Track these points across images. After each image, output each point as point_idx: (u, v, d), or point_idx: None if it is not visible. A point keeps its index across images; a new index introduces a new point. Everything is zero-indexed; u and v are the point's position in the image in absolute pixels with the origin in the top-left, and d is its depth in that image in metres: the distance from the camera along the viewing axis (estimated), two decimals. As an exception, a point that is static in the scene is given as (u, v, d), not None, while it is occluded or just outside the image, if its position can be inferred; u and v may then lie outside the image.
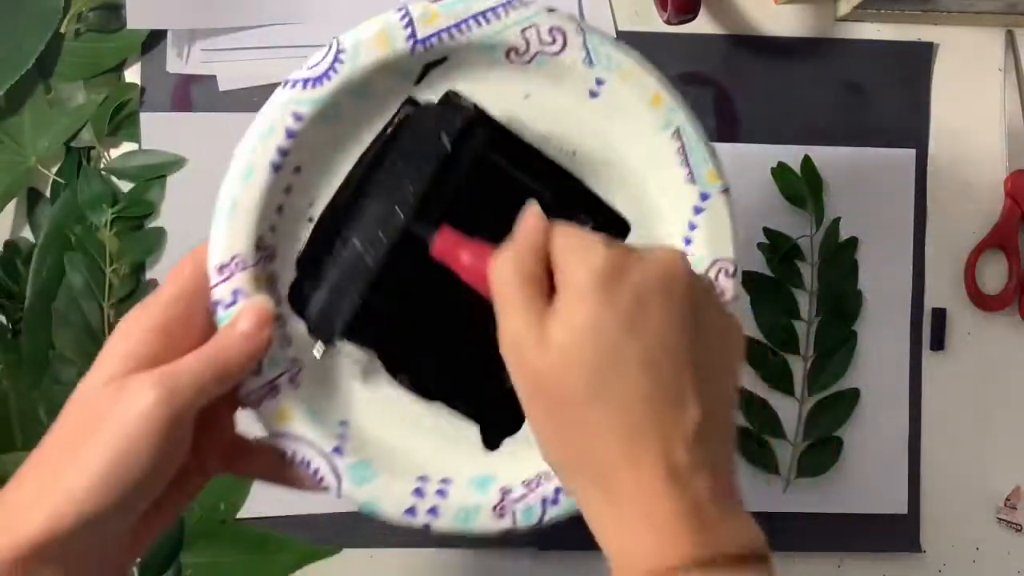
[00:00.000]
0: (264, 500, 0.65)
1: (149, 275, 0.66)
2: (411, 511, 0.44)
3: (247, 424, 0.45)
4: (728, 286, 0.46)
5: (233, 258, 0.43)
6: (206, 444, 0.43)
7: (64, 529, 0.37)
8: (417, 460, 0.46)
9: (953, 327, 0.68)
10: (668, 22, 0.62)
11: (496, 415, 0.46)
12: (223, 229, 0.44)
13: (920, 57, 0.68)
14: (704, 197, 0.46)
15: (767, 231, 0.67)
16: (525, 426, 0.46)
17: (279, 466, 0.44)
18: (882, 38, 0.68)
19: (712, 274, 0.46)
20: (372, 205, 0.43)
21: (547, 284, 0.38)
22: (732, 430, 0.39)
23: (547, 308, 0.37)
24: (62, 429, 0.39)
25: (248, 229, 0.44)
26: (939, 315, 0.68)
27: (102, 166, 0.66)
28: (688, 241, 0.46)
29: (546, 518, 0.45)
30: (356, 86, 0.44)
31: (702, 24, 0.66)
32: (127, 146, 0.67)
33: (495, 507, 0.45)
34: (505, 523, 0.45)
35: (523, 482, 0.45)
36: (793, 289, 0.67)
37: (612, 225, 0.47)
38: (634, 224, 0.47)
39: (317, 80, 0.44)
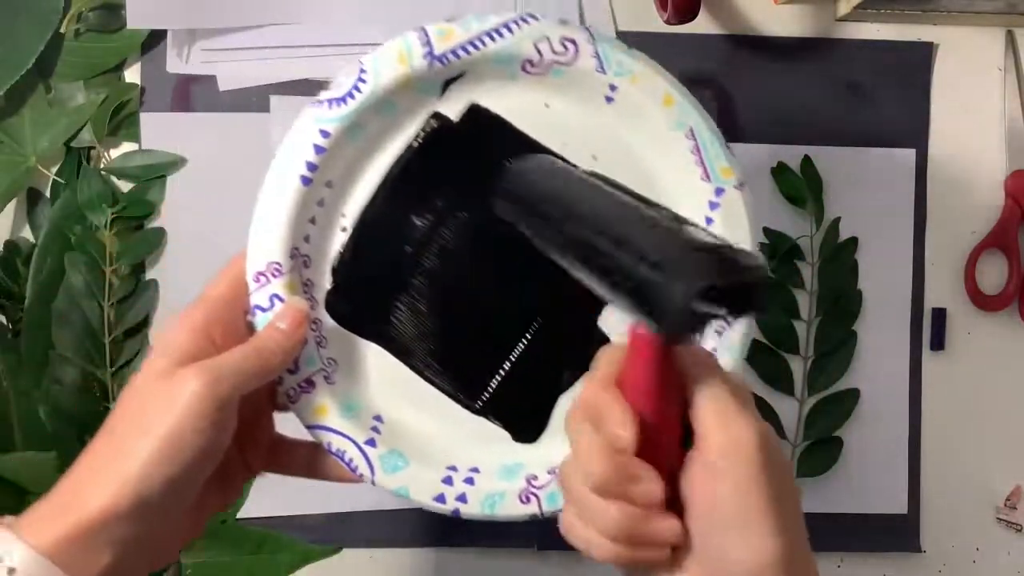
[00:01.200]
0: (264, 500, 0.65)
1: (149, 275, 0.66)
2: (440, 498, 0.47)
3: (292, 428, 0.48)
4: None
5: (269, 265, 0.47)
6: (249, 443, 0.47)
7: (121, 510, 0.39)
8: (448, 449, 0.48)
9: (953, 327, 0.68)
10: (668, 22, 0.62)
11: (525, 421, 0.49)
12: (259, 239, 0.47)
13: (920, 57, 0.68)
14: (719, 192, 0.48)
15: (767, 231, 0.67)
16: (553, 417, 0.50)
17: (316, 461, 0.48)
18: (882, 38, 0.68)
19: None
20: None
21: None
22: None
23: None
24: (116, 419, 0.42)
25: (282, 239, 0.47)
26: (939, 315, 0.68)
27: (102, 166, 0.66)
28: None
29: None
30: (380, 102, 0.47)
31: (702, 24, 0.66)
32: (127, 146, 0.67)
33: (520, 494, 0.47)
34: (531, 509, 0.47)
35: (548, 470, 0.47)
36: (793, 289, 0.67)
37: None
38: None
39: (341, 100, 0.46)
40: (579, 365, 0.49)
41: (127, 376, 0.65)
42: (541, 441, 0.49)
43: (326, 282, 0.49)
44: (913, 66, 0.68)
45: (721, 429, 0.36)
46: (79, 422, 0.64)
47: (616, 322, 0.50)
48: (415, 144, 0.48)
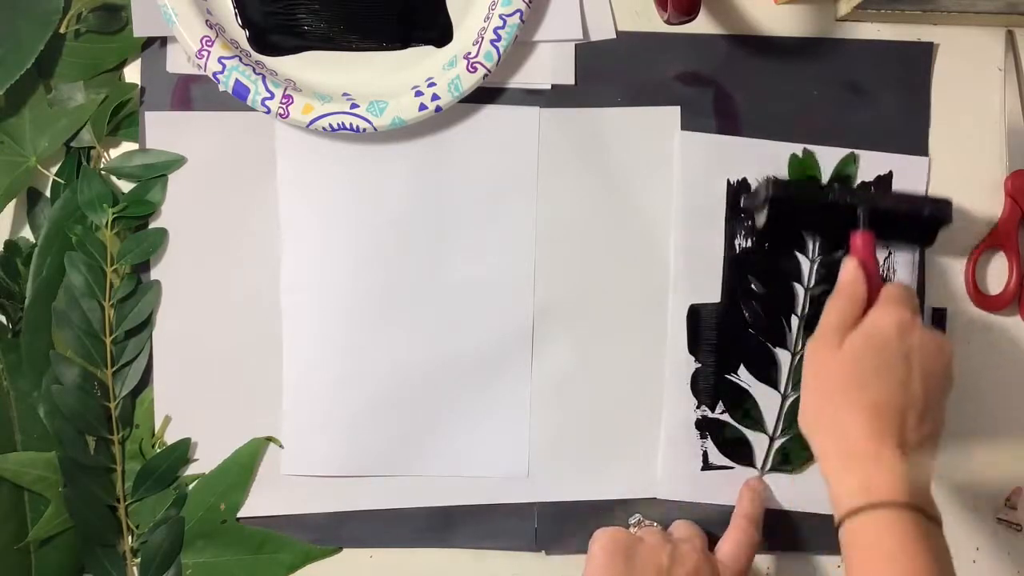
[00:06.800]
0: (264, 500, 0.65)
1: (153, 275, 0.66)
2: (421, 107, 0.63)
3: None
4: None
5: (202, 39, 0.62)
6: None
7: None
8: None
9: (953, 327, 0.68)
10: (668, 22, 0.62)
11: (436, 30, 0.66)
12: (182, 30, 0.62)
13: (920, 57, 0.68)
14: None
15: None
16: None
17: None
18: (882, 38, 0.68)
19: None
20: None
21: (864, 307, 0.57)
22: (941, 424, 0.57)
23: (854, 326, 0.56)
24: None
25: (196, 20, 0.62)
26: (939, 315, 0.68)
27: (102, 166, 0.66)
28: None
29: None
30: None
31: (702, 24, 0.66)
32: (127, 146, 0.67)
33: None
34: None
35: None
36: (791, 283, 0.67)
37: None
38: None
39: None
40: None
41: (127, 376, 0.65)
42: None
43: (243, 34, 0.64)
44: (913, 66, 0.68)
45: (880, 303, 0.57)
46: (79, 422, 0.64)
47: None
48: None
